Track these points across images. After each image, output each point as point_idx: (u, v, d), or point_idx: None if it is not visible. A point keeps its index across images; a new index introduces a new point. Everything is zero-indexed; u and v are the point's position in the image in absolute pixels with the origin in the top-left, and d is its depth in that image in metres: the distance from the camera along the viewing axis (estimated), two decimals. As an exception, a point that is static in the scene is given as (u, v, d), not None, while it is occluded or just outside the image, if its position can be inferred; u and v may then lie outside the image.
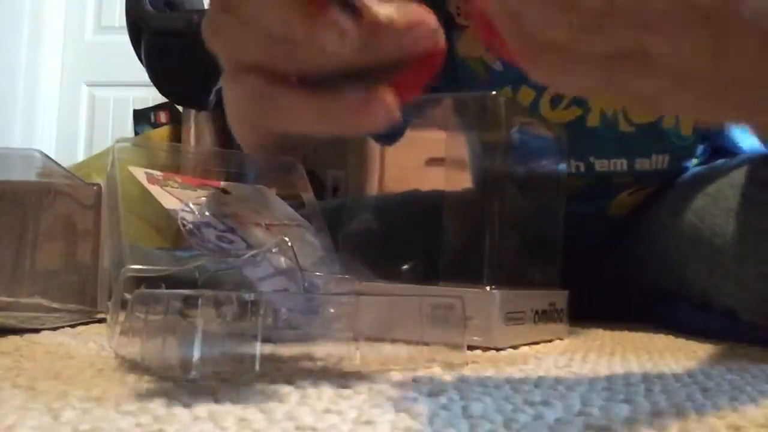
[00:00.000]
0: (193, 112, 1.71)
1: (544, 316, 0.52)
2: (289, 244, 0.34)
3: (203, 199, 0.37)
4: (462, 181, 0.70)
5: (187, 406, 0.26)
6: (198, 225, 0.35)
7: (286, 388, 0.30)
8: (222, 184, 0.40)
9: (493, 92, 0.52)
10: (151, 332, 0.32)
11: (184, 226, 0.35)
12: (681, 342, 0.54)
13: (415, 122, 0.61)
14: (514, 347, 0.48)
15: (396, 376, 0.34)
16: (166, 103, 1.89)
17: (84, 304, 0.54)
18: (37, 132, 2.42)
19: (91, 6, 2.50)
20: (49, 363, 0.35)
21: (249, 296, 0.31)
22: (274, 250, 0.34)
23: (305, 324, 0.34)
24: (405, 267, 0.54)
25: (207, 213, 0.36)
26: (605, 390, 0.32)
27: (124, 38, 1.52)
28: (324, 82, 0.30)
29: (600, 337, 0.57)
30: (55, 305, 0.51)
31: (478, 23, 0.29)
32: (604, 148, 0.70)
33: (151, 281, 0.36)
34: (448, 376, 0.34)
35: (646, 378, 0.36)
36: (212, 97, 1.44)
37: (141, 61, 1.50)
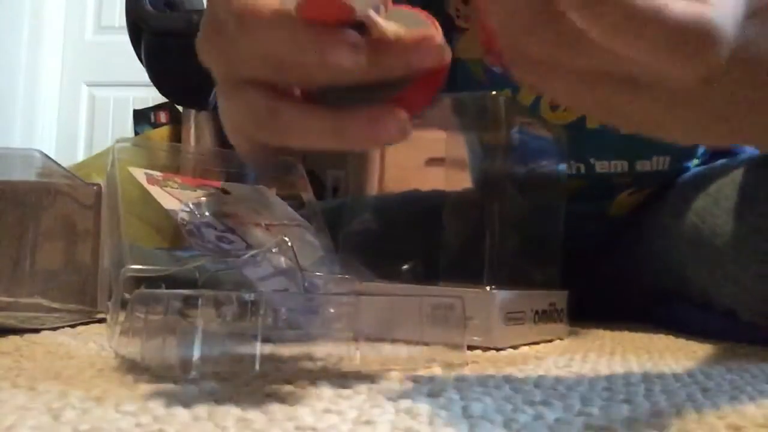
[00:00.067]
0: (193, 112, 1.71)
1: (544, 316, 0.52)
2: (289, 244, 0.34)
3: (203, 199, 0.37)
4: (462, 181, 0.70)
5: (187, 406, 0.26)
6: (198, 225, 0.35)
7: (286, 388, 0.30)
8: (222, 184, 0.40)
9: (494, 92, 0.52)
10: (151, 332, 0.32)
11: (183, 226, 0.35)
12: (681, 342, 0.54)
13: (415, 122, 0.61)
14: (514, 347, 0.48)
15: (396, 376, 0.34)
16: (166, 103, 1.89)
17: (84, 304, 0.54)
18: (37, 132, 2.42)
19: (91, 6, 2.50)
20: (49, 363, 0.35)
21: (249, 296, 0.31)
22: (274, 250, 0.34)
23: (305, 324, 0.34)
24: (405, 267, 0.54)
25: (207, 213, 0.36)
26: (605, 390, 0.32)
27: (124, 38, 1.53)
28: (326, 96, 0.29)
29: (600, 337, 0.57)
30: (55, 305, 0.51)
31: (481, 28, 0.29)
32: (604, 150, 0.70)
33: (151, 281, 0.36)
34: (448, 376, 0.34)
35: (646, 378, 0.36)
36: (212, 97, 1.44)
37: (141, 61, 1.51)
